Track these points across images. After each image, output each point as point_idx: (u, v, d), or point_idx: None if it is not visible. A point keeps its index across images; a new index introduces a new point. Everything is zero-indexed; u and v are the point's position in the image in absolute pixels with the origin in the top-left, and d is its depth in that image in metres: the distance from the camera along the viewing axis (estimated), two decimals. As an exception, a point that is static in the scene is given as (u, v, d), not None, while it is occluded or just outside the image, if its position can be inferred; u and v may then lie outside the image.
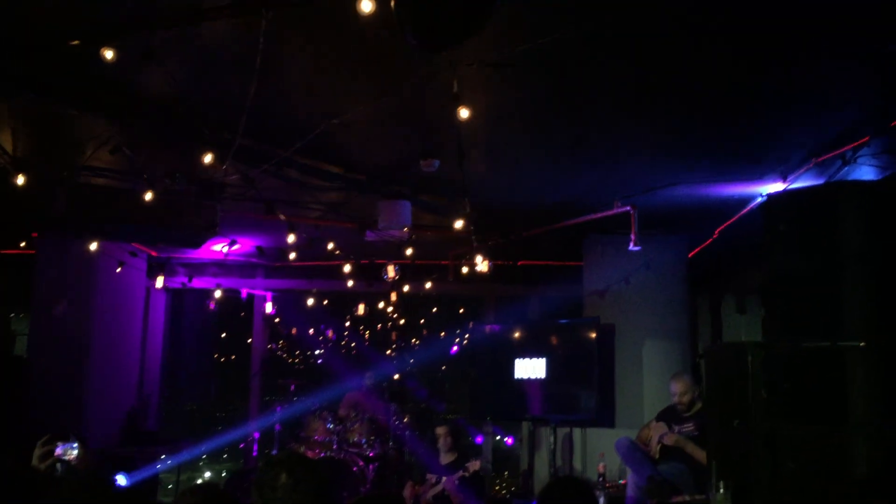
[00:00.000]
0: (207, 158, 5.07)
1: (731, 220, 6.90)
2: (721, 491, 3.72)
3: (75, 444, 3.27)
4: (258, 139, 5.24)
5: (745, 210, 6.57)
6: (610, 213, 6.28)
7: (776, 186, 5.80)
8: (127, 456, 8.11)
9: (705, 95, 4.56)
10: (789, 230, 3.95)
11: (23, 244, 8.54)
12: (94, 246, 7.19)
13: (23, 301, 8.64)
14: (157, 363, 9.94)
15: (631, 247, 6.05)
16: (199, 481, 10.64)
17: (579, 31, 3.71)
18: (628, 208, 6.06)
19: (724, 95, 4.55)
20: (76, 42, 3.85)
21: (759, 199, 6.04)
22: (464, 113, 3.95)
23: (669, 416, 6.33)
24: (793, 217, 4.00)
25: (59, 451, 3.24)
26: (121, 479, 7.25)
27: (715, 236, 7.37)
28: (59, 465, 3.21)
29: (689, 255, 8.04)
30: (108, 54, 3.68)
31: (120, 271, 8.25)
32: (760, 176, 5.80)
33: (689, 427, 6.02)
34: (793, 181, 5.64)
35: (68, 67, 4.37)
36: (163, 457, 8.32)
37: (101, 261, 8.11)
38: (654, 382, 7.49)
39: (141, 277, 9.23)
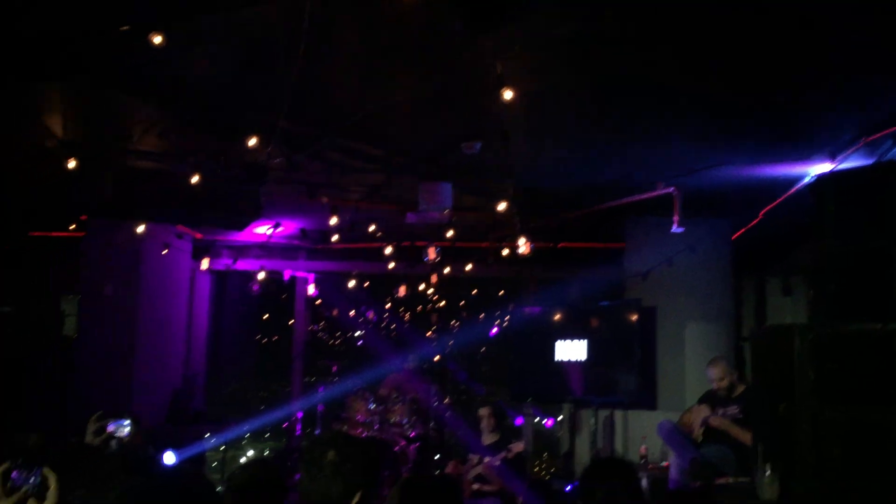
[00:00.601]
0: (251, 142, 5.14)
1: (777, 202, 6.79)
2: (768, 474, 3.70)
3: (127, 422, 3.35)
4: (301, 123, 5.28)
5: (791, 191, 6.46)
6: (653, 194, 6.22)
7: (824, 167, 5.69)
8: (174, 434, 8.29)
9: (751, 74, 4.48)
10: (839, 211, 3.89)
11: (72, 227, 8.73)
12: (141, 228, 7.33)
13: (72, 283, 8.84)
14: (202, 344, 10.11)
15: (674, 228, 5.99)
16: (243, 459, 10.84)
17: (622, 13, 3.68)
18: (671, 190, 6.00)
19: (770, 75, 4.47)
20: (126, 28, 3.91)
21: (807, 180, 5.93)
22: (507, 95, 3.94)
23: (713, 399, 6.28)
24: (843, 198, 3.94)
25: (111, 427, 3.32)
26: (169, 457, 7.41)
27: (760, 217, 7.26)
28: (112, 442, 3.29)
29: (734, 237, 7.94)
30: (157, 39, 3.73)
31: (166, 253, 8.39)
32: (808, 156, 5.69)
33: (733, 410, 5.96)
34: (841, 161, 5.53)
35: (116, 53, 4.45)
36: (208, 435, 8.48)
37: (147, 243, 8.27)
38: (696, 365, 7.42)
39: (186, 259, 9.38)
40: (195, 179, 5.65)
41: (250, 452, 11.48)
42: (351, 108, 4.92)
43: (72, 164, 5.55)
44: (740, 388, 6.16)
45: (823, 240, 3.93)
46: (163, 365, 8.95)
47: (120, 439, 3.32)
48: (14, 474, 2.34)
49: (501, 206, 6.34)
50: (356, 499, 2.55)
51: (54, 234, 9.13)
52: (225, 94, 5.02)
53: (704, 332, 7.61)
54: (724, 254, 7.80)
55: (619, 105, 5.06)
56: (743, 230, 7.87)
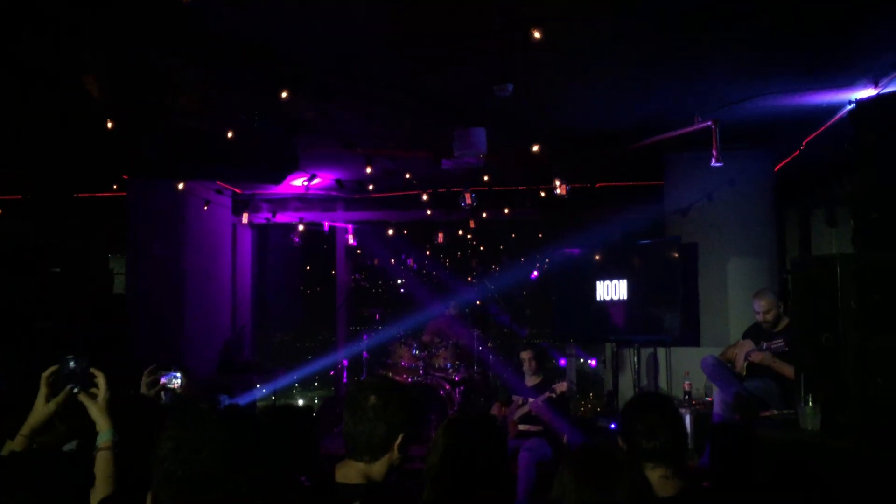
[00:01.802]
0: (283, 96, 5.16)
1: (820, 130, 6.64)
2: (810, 405, 3.69)
3: (178, 374, 3.45)
4: (333, 74, 5.28)
5: (834, 118, 6.31)
6: (690, 129, 6.12)
7: (867, 92, 5.54)
8: (225, 384, 8.53)
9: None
10: (881, 138, 3.79)
11: (115, 186, 8.90)
12: (181, 186, 7.44)
13: (119, 242, 9.04)
14: (248, 296, 10.32)
15: (713, 163, 5.90)
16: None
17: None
18: (709, 124, 5.89)
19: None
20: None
21: (849, 107, 5.78)
22: (536, 34, 3.89)
23: (756, 333, 6.24)
24: (885, 124, 3.83)
25: (163, 380, 3.43)
26: (222, 406, 7.65)
27: (802, 148, 7.11)
28: (163, 394, 3.41)
29: (776, 169, 7.80)
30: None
31: (207, 209, 8.54)
32: (850, 82, 5.54)
33: (778, 343, 5.90)
34: (885, 86, 5.38)
35: (149, 13, 4.47)
36: (258, 385, 8.70)
37: (189, 200, 8.41)
38: (739, 300, 7.38)
39: (227, 214, 9.53)
40: (231, 135, 5.70)
41: (300, 401, 11.77)
42: (381, 57, 4.90)
43: (111, 125, 5.63)
44: (785, 322, 6.11)
45: (865, 168, 3.85)
46: (211, 318, 9.17)
47: (172, 391, 3.43)
48: (61, 372, 2.42)
49: (535, 148, 6.31)
50: (398, 440, 2.62)
51: (99, 194, 9.32)
52: (256, 49, 5.03)
53: (747, 267, 7.55)
54: (766, 186, 7.68)
55: (651, 39, 4.96)
56: (785, 161, 7.72)
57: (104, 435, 2.33)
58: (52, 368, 2.43)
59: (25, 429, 2.38)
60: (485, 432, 2.64)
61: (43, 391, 2.40)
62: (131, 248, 8.63)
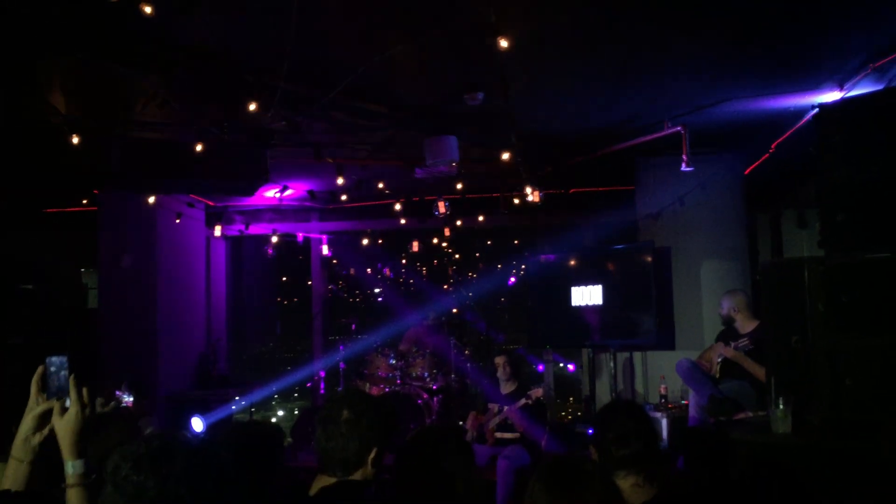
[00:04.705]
0: (253, 106, 5.13)
1: (788, 133, 6.71)
2: (781, 407, 3.72)
3: (127, 393, 3.42)
4: (302, 83, 5.26)
5: (802, 121, 6.37)
6: (660, 134, 6.16)
7: (833, 95, 5.60)
8: (201, 399, 8.45)
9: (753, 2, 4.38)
10: (844, 140, 3.83)
11: (85, 201, 8.80)
12: (152, 199, 7.37)
13: (91, 256, 8.95)
14: (223, 309, 10.23)
15: (683, 167, 5.94)
16: (274, 420, 11.06)
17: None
18: (679, 129, 5.94)
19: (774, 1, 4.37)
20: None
21: (813, 111, 5.85)
22: (503, 43, 3.90)
23: (728, 335, 6.31)
24: (848, 127, 3.88)
25: (119, 395, 3.40)
26: (196, 422, 7.57)
27: (772, 151, 7.18)
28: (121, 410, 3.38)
29: (746, 172, 7.87)
30: (147, 9, 3.71)
31: (179, 222, 8.46)
32: (816, 85, 5.60)
33: (744, 342, 5.99)
34: (850, 89, 5.45)
35: (111, 25, 4.43)
36: (236, 398, 8.62)
37: (160, 213, 8.33)
38: (712, 303, 7.41)
39: (200, 227, 9.45)
40: (200, 147, 5.66)
41: (280, 413, 11.69)
42: (351, 66, 4.88)
43: (76, 139, 5.57)
44: (753, 324, 6.18)
45: (829, 170, 3.89)
46: (186, 332, 9.08)
47: (127, 408, 3.41)
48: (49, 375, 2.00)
49: (506, 156, 6.32)
50: (372, 454, 2.60)
51: (70, 209, 9.22)
52: (223, 59, 5.00)
53: (720, 270, 7.60)
54: (737, 189, 7.74)
55: (618, 44, 4.99)
56: (755, 165, 7.79)
57: (69, 466, 1.92)
58: (39, 371, 2.01)
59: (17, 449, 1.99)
60: (448, 442, 2.61)
61: (32, 398, 2.01)
62: (103, 263, 8.55)
